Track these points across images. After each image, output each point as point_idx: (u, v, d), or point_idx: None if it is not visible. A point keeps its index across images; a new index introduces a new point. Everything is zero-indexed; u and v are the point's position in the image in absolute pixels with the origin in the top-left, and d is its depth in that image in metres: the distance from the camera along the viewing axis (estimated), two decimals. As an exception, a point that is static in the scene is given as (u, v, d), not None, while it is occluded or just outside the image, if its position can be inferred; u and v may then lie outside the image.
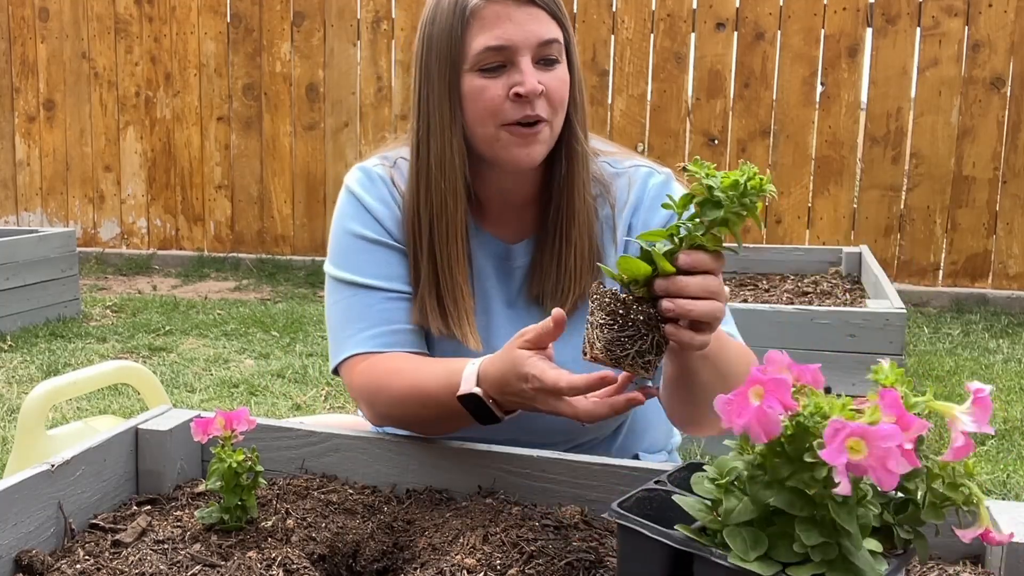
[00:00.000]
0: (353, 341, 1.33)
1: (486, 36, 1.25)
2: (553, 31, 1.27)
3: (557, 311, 1.08)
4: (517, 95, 1.25)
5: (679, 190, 1.37)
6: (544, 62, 1.27)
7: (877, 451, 0.68)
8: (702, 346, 1.04)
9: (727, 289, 1.07)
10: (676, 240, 1.02)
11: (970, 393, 0.77)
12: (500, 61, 1.26)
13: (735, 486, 0.79)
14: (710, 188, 0.96)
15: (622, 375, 1.08)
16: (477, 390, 1.15)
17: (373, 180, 1.39)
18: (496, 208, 1.39)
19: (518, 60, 1.25)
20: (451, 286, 1.32)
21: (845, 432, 0.68)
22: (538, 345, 1.10)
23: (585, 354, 1.03)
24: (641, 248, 1.03)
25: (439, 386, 1.21)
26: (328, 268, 1.39)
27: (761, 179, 0.96)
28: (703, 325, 1.03)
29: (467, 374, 1.18)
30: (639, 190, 1.37)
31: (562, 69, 1.30)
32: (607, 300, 1.02)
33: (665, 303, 1.01)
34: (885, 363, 0.78)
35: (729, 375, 1.17)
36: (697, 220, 1.00)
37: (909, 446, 0.69)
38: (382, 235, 1.36)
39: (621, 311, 1.01)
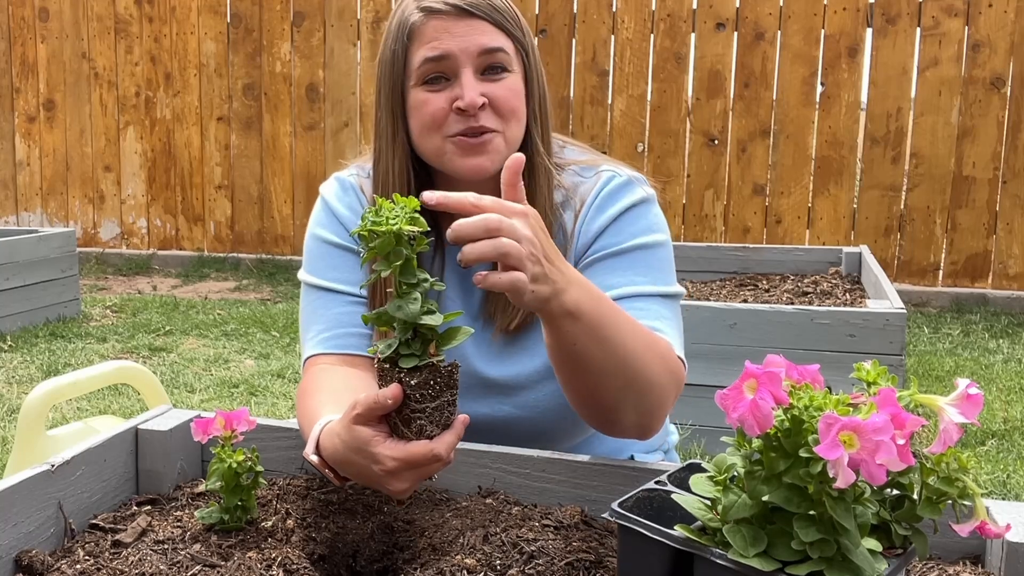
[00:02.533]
0: (312, 343, 1.36)
1: (425, 48, 1.26)
2: (498, 40, 1.26)
3: (394, 387, 0.97)
4: (459, 109, 1.24)
5: (640, 193, 1.35)
6: (490, 71, 1.26)
7: (868, 444, 0.68)
8: (512, 285, 0.97)
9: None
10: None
11: (958, 387, 0.78)
12: (441, 72, 1.26)
13: (734, 483, 0.79)
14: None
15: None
16: (313, 458, 1.11)
17: (345, 189, 1.42)
18: (463, 216, 1.39)
19: (460, 72, 1.25)
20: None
21: (837, 426, 0.69)
22: (370, 420, 1.00)
23: (428, 434, 0.98)
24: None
25: (305, 432, 1.19)
26: (300, 273, 1.43)
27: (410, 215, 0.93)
28: (506, 265, 0.97)
29: (313, 434, 1.13)
30: (594, 193, 1.35)
31: (513, 79, 1.28)
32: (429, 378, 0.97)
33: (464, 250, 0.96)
34: (868, 364, 0.79)
35: (620, 352, 1.10)
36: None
37: (902, 441, 0.69)
38: (348, 241, 1.39)
39: (434, 380, 0.97)
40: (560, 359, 1.12)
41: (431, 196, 0.98)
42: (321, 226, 1.41)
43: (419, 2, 1.28)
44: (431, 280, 0.97)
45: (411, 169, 1.33)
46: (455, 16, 1.25)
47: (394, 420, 1.00)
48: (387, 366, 0.99)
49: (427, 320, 0.96)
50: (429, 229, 0.98)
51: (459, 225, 0.96)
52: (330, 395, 1.21)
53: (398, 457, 0.98)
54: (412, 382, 0.97)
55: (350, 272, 1.37)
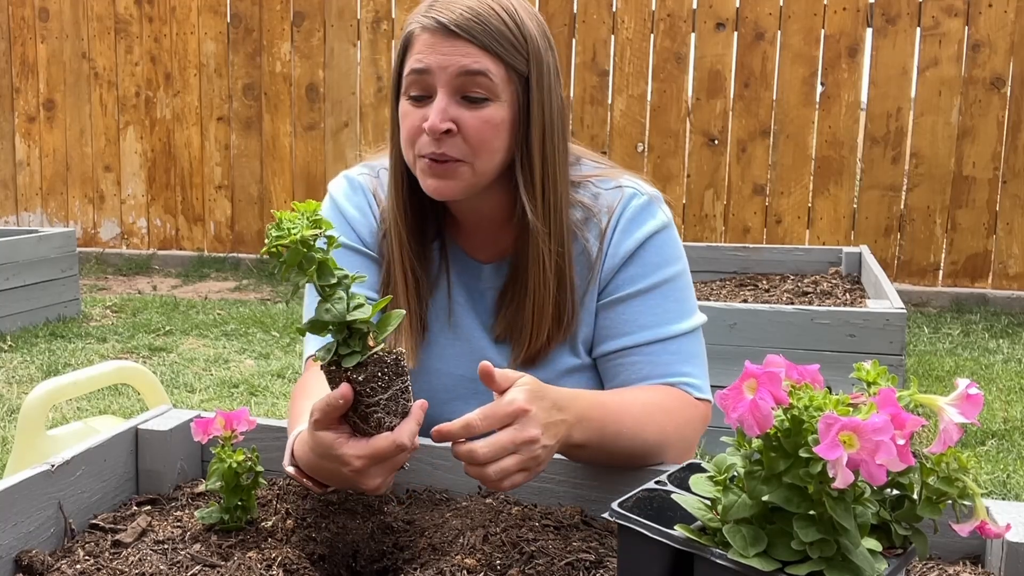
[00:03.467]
0: (312, 343, 1.36)
1: (412, 60, 1.26)
2: (483, 64, 1.23)
3: (343, 387, 0.98)
4: (422, 129, 1.25)
5: (662, 217, 1.35)
6: (469, 99, 1.24)
7: (868, 444, 0.69)
8: (528, 479, 1.04)
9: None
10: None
11: (958, 387, 0.78)
12: (423, 89, 1.25)
13: (734, 483, 0.79)
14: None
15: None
16: (290, 470, 1.12)
17: (355, 189, 1.42)
18: (470, 225, 1.39)
19: (436, 91, 1.24)
20: (395, 302, 1.33)
21: (837, 426, 0.69)
22: (329, 423, 1.01)
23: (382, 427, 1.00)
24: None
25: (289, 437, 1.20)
26: None
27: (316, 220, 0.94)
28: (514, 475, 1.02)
29: (288, 446, 1.14)
30: (619, 210, 1.34)
31: (493, 109, 1.24)
32: (381, 368, 0.98)
33: (469, 470, 1.01)
34: (868, 364, 0.79)
35: (631, 448, 1.16)
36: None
37: (902, 442, 0.69)
38: (356, 242, 1.39)
39: (387, 372, 0.98)
40: (576, 460, 1.18)
41: (435, 434, 1.02)
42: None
43: (422, 14, 1.28)
44: (351, 275, 0.98)
45: (404, 171, 1.33)
46: (443, 34, 1.24)
47: (353, 419, 1.01)
48: (333, 369, 0.99)
49: (357, 315, 0.96)
50: (335, 227, 1.01)
51: (459, 454, 1.02)
52: (317, 398, 1.22)
53: (363, 455, 0.99)
54: (359, 378, 0.98)
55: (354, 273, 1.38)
